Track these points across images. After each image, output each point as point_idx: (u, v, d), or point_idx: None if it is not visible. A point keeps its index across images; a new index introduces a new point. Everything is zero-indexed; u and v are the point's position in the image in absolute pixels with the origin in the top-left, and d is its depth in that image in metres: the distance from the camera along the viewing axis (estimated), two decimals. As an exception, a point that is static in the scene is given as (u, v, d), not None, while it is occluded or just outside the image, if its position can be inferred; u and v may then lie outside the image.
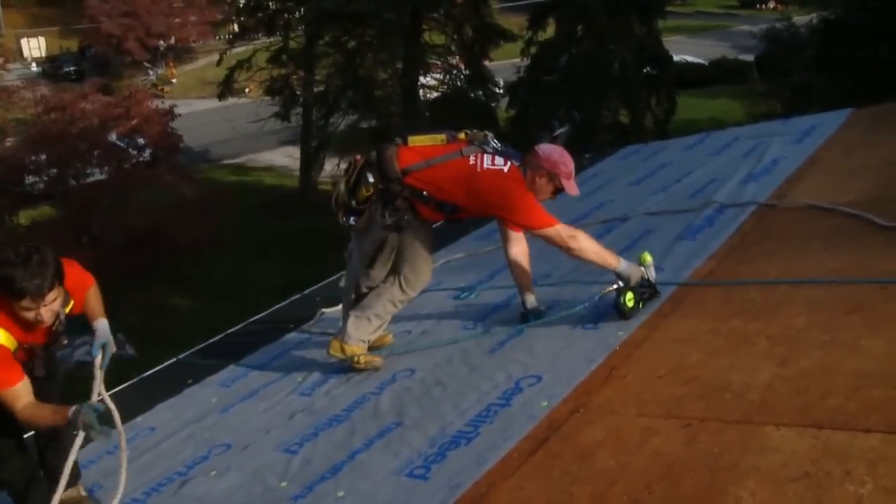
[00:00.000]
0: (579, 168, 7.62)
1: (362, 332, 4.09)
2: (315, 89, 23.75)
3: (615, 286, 3.79)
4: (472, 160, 3.84)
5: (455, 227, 6.28)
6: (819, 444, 2.36)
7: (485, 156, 3.85)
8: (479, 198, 3.85)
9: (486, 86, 23.53)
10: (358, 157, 4.07)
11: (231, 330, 5.64)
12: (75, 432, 3.20)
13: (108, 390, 5.13)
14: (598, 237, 5.13)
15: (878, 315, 3.11)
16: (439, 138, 4.01)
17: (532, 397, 3.20)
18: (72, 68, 39.68)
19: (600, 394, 3.10)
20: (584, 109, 18.14)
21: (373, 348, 4.23)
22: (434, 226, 4.15)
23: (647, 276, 3.84)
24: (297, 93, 24.15)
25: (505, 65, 25.76)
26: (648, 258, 3.89)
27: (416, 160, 3.91)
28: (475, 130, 4.03)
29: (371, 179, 3.92)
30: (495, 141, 3.97)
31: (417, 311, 4.67)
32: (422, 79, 23.76)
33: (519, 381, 3.38)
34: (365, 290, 4.24)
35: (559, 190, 3.91)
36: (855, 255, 3.80)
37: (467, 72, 23.72)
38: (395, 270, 4.09)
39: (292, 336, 5.06)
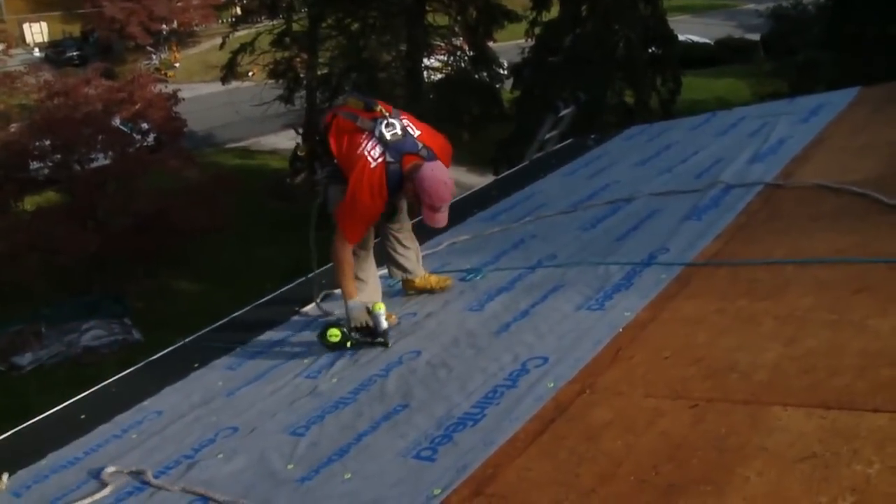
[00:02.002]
0: (584, 149, 7.61)
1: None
2: (318, 72, 23.64)
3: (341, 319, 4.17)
4: (362, 137, 3.94)
5: (459, 208, 6.29)
6: (826, 424, 2.35)
7: (371, 139, 3.92)
8: (348, 174, 3.98)
9: (491, 67, 23.43)
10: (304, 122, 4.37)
11: (237, 313, 5.64)
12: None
13: (114, 374, 5.20)
14: (603, 218, 5.18)
15: (885, 294, 3.09)
16: (361, 103, 4.14)
17: (538, 378, 3.19)
18: (75, 53, 39.66)
19: (607, 375, 3.09)
20: (588, 90, 17.95)
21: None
22: None
23: (371, 323, 4.02)
24: (301, 76, 24.04)
25: (509, 46, 25.62)
26: (379, 307, 4.04)
27: (332, 117, 4.10)
28: (389, 110, 4.06)
29: (299, 132, 4.20)
30: (395, 128, 3.96)
31: (423, 292, 4.68)
32: (426, 61, 23.65)
33: (525, 363, 3.37)
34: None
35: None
36: (863, 235, 3.77)
37: (471, 53, 23.61)
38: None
39: (298, 319, 5.06)
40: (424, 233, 4.94)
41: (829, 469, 2.15)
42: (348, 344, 4.08)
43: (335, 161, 4.12)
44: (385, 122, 3.96)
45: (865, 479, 2.06)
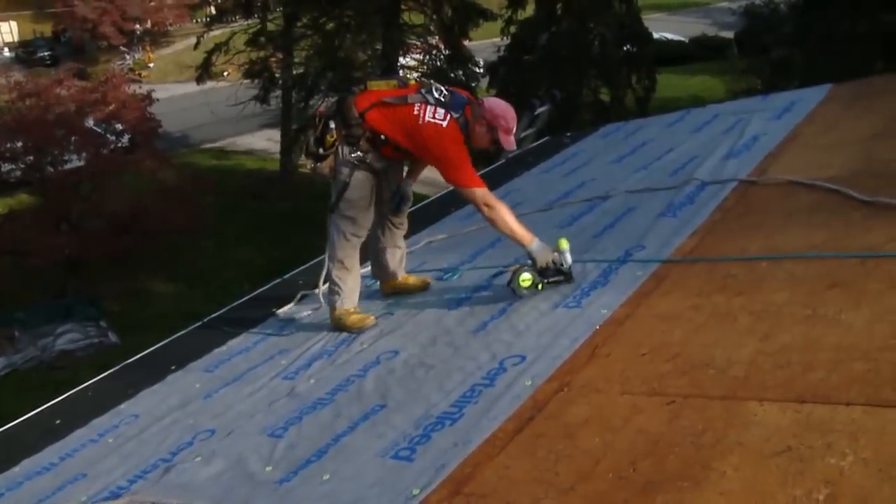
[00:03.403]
0: (560, 147, 7.64)
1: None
2: (294, 72, 23.54)
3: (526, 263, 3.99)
4: (416, 110, 4.06)
5: (436, 208, 6.29)
6: (801, 418, 2.37)
7: (427, 107, 4.05)
8: (420, 148, 4.12)
9: (466, 65, 23.40)
10: (320, 108, 4.39)
11: (214, 315, 5.61)
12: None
13: (90, 378, 5.15)
14: (580, 216, 5.19)
15: (858, 289, 3.13)
16: (392, 83, 4.31)
17: (516, 377, 3.20)
18: (46, 53, 39.22)
19: (584, 372, 3.10)
20: (564, 88, 18.07)
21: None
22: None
23: (559, 262, 3.95)
24: (277, 75, 23.93)
25: (485, 44, 25.65)
26: (564, 244, 3.96)
27: (371, 101, 4.16)
28: (423, 79, 4.26)
29: (332, 126, 4.20)
30: (440, 90, 4.14)
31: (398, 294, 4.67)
32: (401, 59, 23.61)
33: (503, 361, 3.38)
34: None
35: (497, 142, 4.08)
36: (835, 230, 3.81)
37: (447, 52, 23.59)
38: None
39: (275, 320, 5.04)
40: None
41: (803, 462, 2.16)
42: (539, 287, 3.96)
43: (380, 143, 4.18)
44: (427, 88, 4.14)
45: (839, 471, 2.08)
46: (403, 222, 4.67)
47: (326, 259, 4.62)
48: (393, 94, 4.19)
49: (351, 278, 4.45)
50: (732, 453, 2.30)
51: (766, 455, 2.24)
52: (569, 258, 3.96)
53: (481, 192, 4.01)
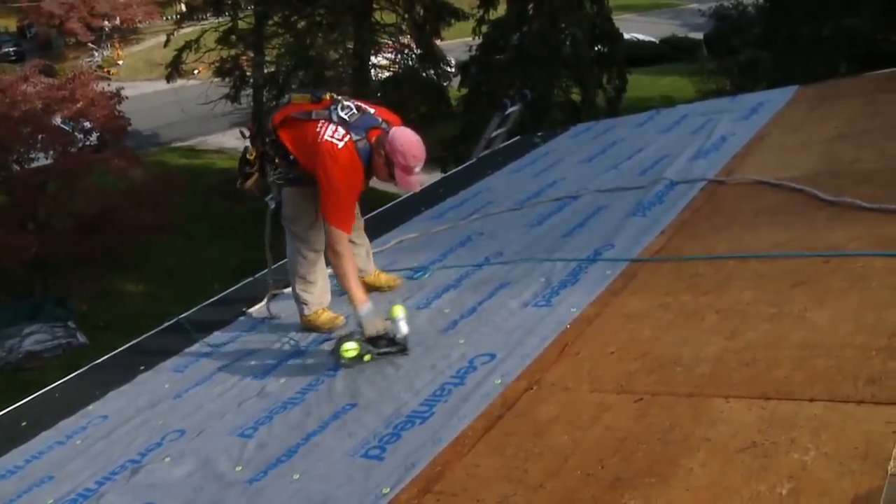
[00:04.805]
0: (531, 147, 7.66)
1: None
2: (265, 70, 23.40)
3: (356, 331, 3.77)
4: (318, 126, 3.82)
5: (406, 206, 6.29)
6: (766, 415, 2.41)
7: (329, 125, 3.81)
8: (315, 168, 3.84)
9: (438, 65, 23.41)
10: (251, 124, 4.22)
11: (183, 314, 5.57)
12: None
13: (58, 379, 5.09)
14: (549, 215, 5.22)
15: (822, 287, 3.18)
16: (306, 97, 4.06)
17: (486, 375, 3.21)
18: (11, 49, 38.58)
19: (553, 370, 3.13)
20: (535, 88, 18.09)
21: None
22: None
23: (391, 331, 3.65)
24: (248, 74, 23.77)
25: (457, 44, 25.66)
26: (398, 312, 3.62)
27: (284, 116, 3.98)
28: (338, 95, 3.99)
29: (247, 135, 4.09)
30: (349, 108, 3.89)
31: (371, 290, 4.66)
32: (373, 59, 23.56)
33: (473, 360, 3.40)
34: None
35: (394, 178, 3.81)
36: (800, 230, 3.87)
37: (419, 51, 23.58)
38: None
39: (245, 319, 5.01)
40: (371, 230, 4.93)
41: (768, 458, 2.20)
42: (366, 358, 3.68)
43: (290, 162, 4.02)
44: (338, 105, 3.90)
45: (802, 466, 2.12)
46: (359, 217, 4.47)
47: (268, 274, 4.66)
48: (301, 108, 3.99)
49: (317, 288, 4.39)
50: (699, 450, 2.34)
51: (732, 451, 2.28)
52: (403, 328, 3.62)
53: (338, 236, 3.81)
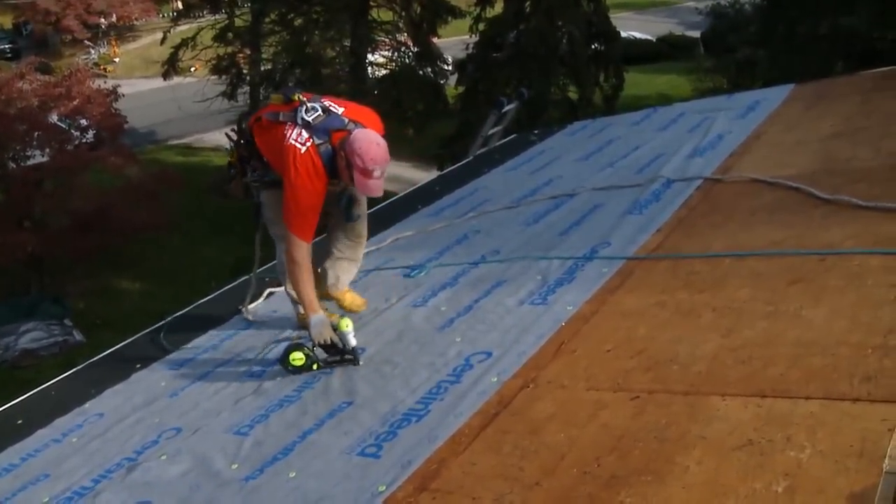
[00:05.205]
0: (527, 145, 7.66)
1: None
2: (262, 68, 23.36)
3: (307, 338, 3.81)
4: (286, 129, 3.76)
5: (403, 204, 6.29)
6: (762, 413, 2.42)
7: (295, 128, 3.74)
8: (281, 170, 3.79)
9: (435, 63, 23.38)
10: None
11: (180, 312, 5.56)
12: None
13: (54, 377, 5.08)
14: (546, 213, 5.22)
15: (818, 286, 3.19)
16: (278, 98, 3.99)
17: (482, 373, 3.21)
18: (7, 46, 38.46)
19: (549, 368, 3.13)
20: (532, 86, 18.09)
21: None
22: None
23: (338, 342, 3.70)
24: (244, 72, 23.74)
25: (453, 41, 25.61)
26: (345, 325, 3.67)
27: (256, 118, 3.95)
28: (305, 96, 3.88)
29: (233, 137, 4.03)
30: (315, 110, 3.79)
31: (367, 289, 4.66)
32: (370, 56, 23.54)
33: (469, 358, 3.39)
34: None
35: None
36: (796, 228, 3.87)
37: (415, 49, 23.56)
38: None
39: (241, 317, 5.01)
40: (368, 228, 4.91)
41: (763, 456, 2.20)
42: (314, 367, 3.74)
43: (265, 164, 3.98)
44: (304, 107, 3.79)
45: (797, 464, 2.12)
46: (362, 233, 4.33)
47: (253, 277, 4.64)
48: (273, 110, 3.92)
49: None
50: (695, 447, 2.34)
51: (728, 449, 2.28)
52: (351, 340, 3.68)
53: (296, 244, 3.76)
